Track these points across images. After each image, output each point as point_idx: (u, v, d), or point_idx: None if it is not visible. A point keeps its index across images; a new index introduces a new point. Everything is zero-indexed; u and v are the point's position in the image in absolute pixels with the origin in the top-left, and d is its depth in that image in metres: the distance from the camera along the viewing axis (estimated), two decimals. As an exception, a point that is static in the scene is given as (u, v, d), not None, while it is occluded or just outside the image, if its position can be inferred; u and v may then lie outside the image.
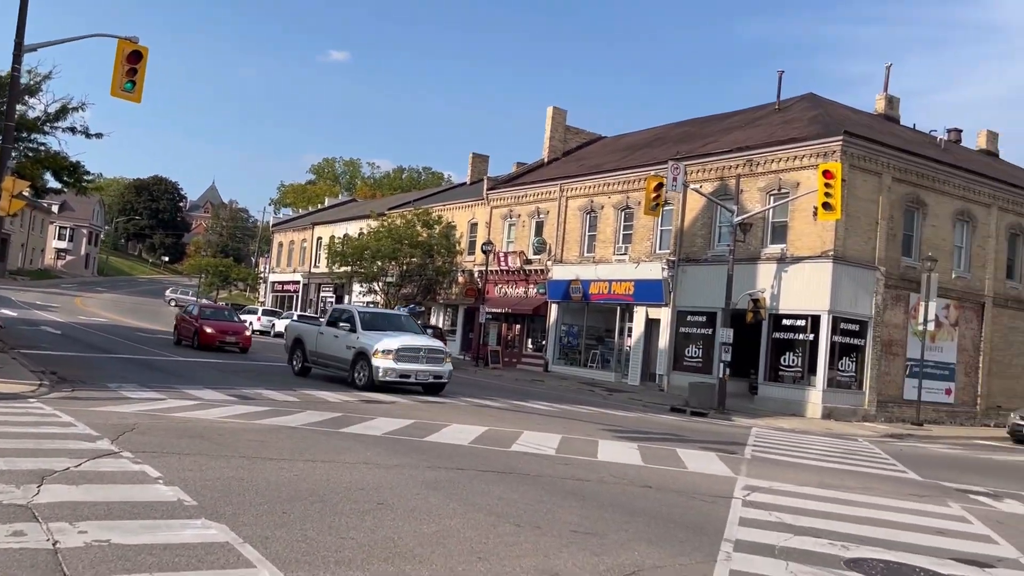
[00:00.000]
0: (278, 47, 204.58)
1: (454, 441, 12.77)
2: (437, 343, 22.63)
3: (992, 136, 41.13)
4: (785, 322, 28.09)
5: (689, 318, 31.58)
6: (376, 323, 22.02)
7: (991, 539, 9.31)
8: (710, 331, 30.20)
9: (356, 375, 20.51)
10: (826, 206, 23.18)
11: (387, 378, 19.90)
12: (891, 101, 36.73)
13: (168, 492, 7.65)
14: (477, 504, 8.41)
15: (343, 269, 47.05)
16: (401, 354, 20.06)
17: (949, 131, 37.80)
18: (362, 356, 20.39)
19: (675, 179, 26.81)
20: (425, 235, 44.13)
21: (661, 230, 33.58)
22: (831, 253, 26.97)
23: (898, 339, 28.90)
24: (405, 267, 43.97)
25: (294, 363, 23.57)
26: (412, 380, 20.46)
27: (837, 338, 27.26)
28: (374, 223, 47.32)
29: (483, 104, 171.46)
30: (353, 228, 56.64)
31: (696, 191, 29.05)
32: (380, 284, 44.79)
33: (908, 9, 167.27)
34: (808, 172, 27.53)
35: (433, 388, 21.11)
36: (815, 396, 26.94)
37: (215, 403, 15.02)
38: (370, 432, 12.92)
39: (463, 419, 15.92)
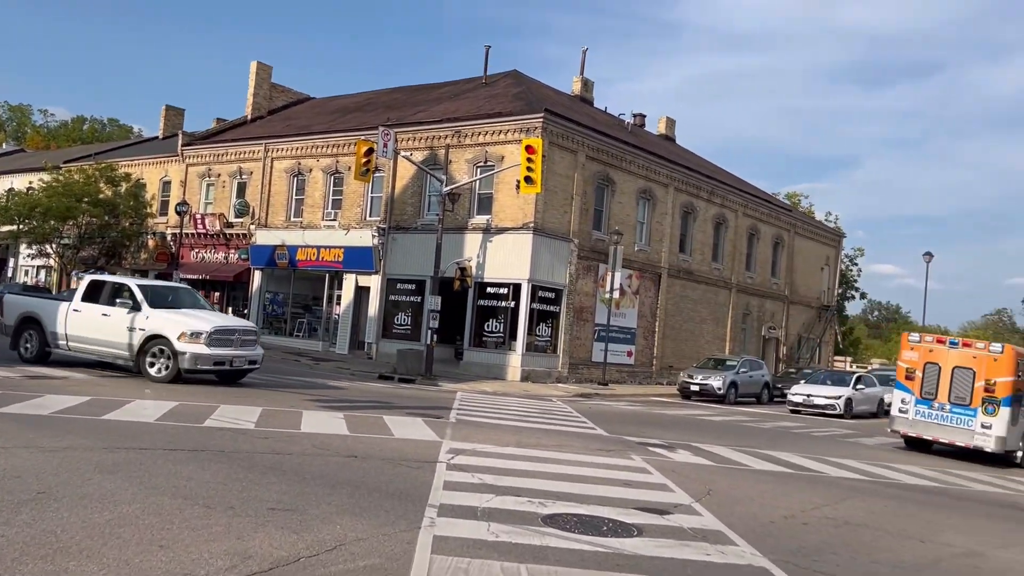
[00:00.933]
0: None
1: (138, 418, 11.56)
2: (249, 323, 19.69)
3: (670, 123, 45.66)
4: (489, 290, 29.13)
5: (399, 286, 31.66)
6: (161, 299, 17.90)
7: (668, 487, 10.20)
8: (419, 299, 30.51)
9: (148, 363, 16.68)
10: (528, 180, 24.18)
11: (199, 366, 16.60)
12: (586, 84, 39.32)
13: None
14: (161, 487, 7.59)
15: (8, 228, 41.32)
16: (215, 337, 16.70)
17: (635, 116, 41.31)
18: (158, 340, 16.66)
19: (386, 146, 26.56)
20: (109, 192, 40.03)
21: (372, 197, 33.21)
22: (531, 225, 28.31)
23: (588, 306, 31.18)
24: (84, 228, 39.57)
25: (24, 347, 18.58)
26: (227, 368, 17.24)
27: (536, 305, 28.79)
28: (47, 177, 42.01)
29: (178, 54, 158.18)
30: (21, 181, 49.80)
31: (407, 159, 29.01)
32: (54, 246, 39.96)
33: (601, 1, 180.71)
34: (512, 146, 28.57)
35: (237, 376, 17.99)
36: (515, 360, 28.29)
37: None
38: (35, 411, 11.29)
39: (149, 394, 14.52)
